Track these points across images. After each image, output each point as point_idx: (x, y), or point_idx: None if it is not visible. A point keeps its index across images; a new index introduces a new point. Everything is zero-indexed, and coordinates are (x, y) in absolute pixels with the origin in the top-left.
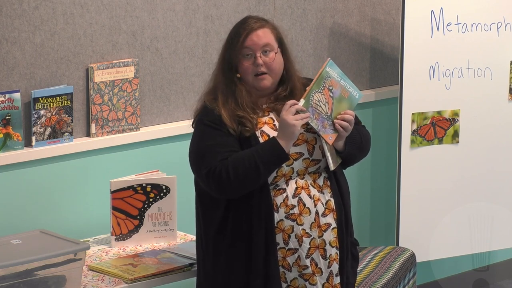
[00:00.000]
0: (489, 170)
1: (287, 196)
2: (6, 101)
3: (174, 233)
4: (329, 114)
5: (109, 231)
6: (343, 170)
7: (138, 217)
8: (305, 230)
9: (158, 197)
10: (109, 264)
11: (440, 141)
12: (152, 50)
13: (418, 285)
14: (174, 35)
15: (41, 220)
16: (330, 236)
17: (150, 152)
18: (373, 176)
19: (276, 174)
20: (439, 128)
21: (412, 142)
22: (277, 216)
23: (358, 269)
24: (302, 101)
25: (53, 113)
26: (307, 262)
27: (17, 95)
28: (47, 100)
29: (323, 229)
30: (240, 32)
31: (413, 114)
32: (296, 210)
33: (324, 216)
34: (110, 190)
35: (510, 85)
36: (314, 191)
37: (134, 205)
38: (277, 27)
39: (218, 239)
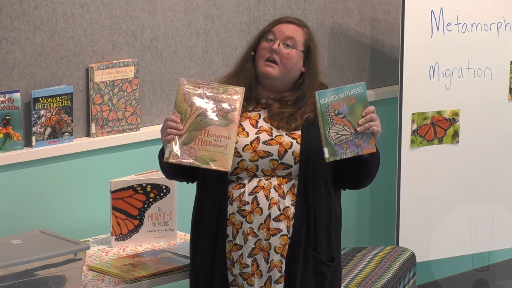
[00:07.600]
0: (489, 170)
1: (243, 192)
2: (6, 101)
3: (174, 233)
4: (353, 132)
5: (109, 231)
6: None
7: (138, 217)
8: (252, 229)
9: (158, 197)
10: (109, 264)
11: (440, 141)
12: (152, 50)
13: (418, 285)
14: (174, 35)
15: (41, 220)
16: (277, 242)
17: (150, 152)
18: None
19: (237, 165)
20: (439, 128)
21: (412, 142)
22: (230, 209)
23: (358, 269)
24: (326, 150)
25: (53, 113)
26: (249, 261)
27: (17, 95)
28: (47, 100)
29: (272, 233)
30: (274, 21)
31: (413, 114)
32: (248, 207)
33: (276, 221)
34: (110, 190)
35: (510, 85)
36: (274, 194)
37: (134, 205)
38: (313, 36)
39: (192, 219)
